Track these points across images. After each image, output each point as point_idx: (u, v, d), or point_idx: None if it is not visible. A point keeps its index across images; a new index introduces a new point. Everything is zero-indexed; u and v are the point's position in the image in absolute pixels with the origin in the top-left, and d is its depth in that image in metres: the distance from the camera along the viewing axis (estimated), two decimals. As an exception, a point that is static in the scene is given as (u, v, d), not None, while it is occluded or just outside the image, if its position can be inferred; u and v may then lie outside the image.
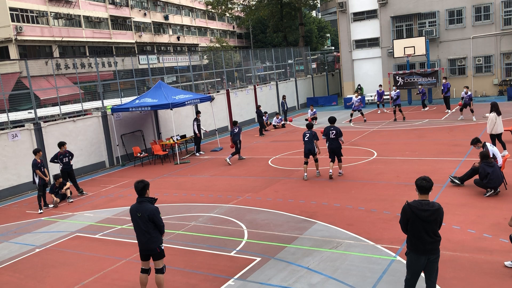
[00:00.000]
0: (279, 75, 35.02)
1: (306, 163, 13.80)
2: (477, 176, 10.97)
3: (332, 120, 13.67)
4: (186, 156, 20.34)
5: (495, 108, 13.91)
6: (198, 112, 21.11)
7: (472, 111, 21.11)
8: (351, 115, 24.99)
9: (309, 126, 13.81)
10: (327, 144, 13.53)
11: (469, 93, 21.00)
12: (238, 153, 17.84)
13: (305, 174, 13.69)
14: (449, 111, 24.46)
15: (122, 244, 9.90)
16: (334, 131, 13.24)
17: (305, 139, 13.59)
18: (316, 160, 13.91)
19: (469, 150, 15.11)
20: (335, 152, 13.46)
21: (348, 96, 33.05)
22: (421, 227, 5.59)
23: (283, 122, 26.34)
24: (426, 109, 26.60)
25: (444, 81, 24.78)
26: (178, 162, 18.65)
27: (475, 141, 11.69)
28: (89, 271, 8.66)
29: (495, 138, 14.10)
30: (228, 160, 17.27)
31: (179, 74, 28.47)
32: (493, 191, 10.50)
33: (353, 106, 24.77)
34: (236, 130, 17.53)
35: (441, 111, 24.89)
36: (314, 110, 26.89)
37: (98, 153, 19.42)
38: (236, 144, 17.53)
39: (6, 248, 10.60)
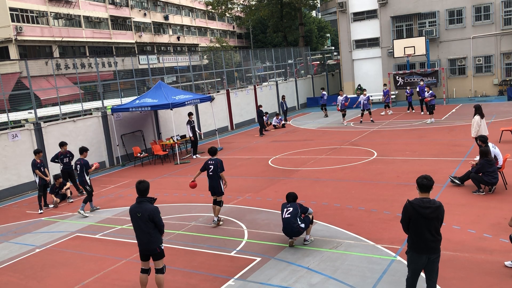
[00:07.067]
0: (279, 75, 35.01)
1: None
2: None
3: None
4: (186, 156, 20.33)
5: (479, 111, 13.61)
6: (190, 114, 20.07)
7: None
8: (369, 113, 24.13)
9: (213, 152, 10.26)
10: None
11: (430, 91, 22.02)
12: (89, 200, 12.65)
13: None
14: (388, 112, 26.17)
15: (122, 244, 9.90)
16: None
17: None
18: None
19: (469, 150, 15.11)
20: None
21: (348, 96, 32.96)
22: (423, 225, 5.59)
23: (283, 122, 26.33)
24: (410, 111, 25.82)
25: (384, 87, 27.18)
26: (178, 162, 18.66)
27: (484, 140, 11.52)
28: (89, 271, 8.66)
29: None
30: (81, 211, 12.34)
31: (179, 74, 28.47)
32: (488, 188, 10.51)
33: (362, 106, 23.90)
34: (79, 167, 12.41)
35: (441, 112, 24.85)
36: (345, 95, 24.73)
37: (98, 153, 19.41)
38: (85, 187, 12.53)
39: (6, 248, 10.60)
